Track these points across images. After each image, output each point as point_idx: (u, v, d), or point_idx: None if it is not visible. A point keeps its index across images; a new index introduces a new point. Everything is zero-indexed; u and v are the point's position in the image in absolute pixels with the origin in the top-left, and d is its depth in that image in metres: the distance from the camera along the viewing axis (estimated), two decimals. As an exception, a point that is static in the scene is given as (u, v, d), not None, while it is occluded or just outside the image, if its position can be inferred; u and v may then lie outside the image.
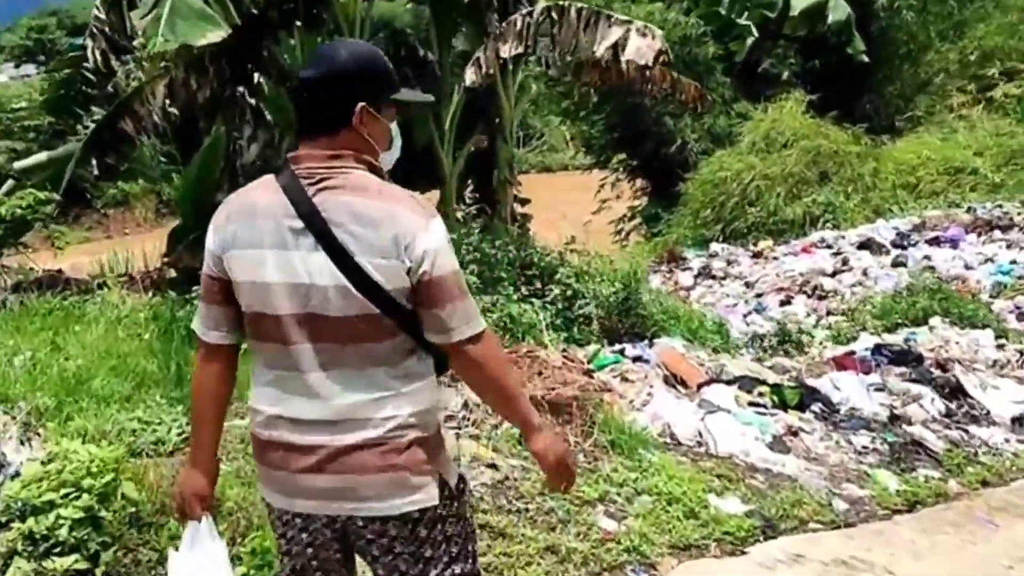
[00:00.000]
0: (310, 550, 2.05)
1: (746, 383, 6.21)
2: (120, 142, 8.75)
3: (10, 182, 10.51)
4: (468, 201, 7.96)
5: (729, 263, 14.58)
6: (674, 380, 6.23)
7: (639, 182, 22.26)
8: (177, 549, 2.13)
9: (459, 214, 8.09)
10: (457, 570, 2.04)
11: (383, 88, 2.02)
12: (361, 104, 1.94)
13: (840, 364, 6.93)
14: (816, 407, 6.08)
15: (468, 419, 5.11)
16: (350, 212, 1.87)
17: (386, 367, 1.94)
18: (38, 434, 4.07)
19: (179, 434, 4.04)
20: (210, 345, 2.05)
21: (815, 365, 7.11)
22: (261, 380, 2.02)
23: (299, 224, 1.88)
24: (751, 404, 5.93)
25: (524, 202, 10.77)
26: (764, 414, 5.81)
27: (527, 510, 4.11)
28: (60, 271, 9.22)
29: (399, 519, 1.96)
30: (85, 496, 2.94)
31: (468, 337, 1.96)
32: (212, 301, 2.02)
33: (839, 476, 5.18)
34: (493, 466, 4.46)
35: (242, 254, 1.93)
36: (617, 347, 6.69)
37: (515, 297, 6.82)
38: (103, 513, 2.94)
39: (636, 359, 6.46)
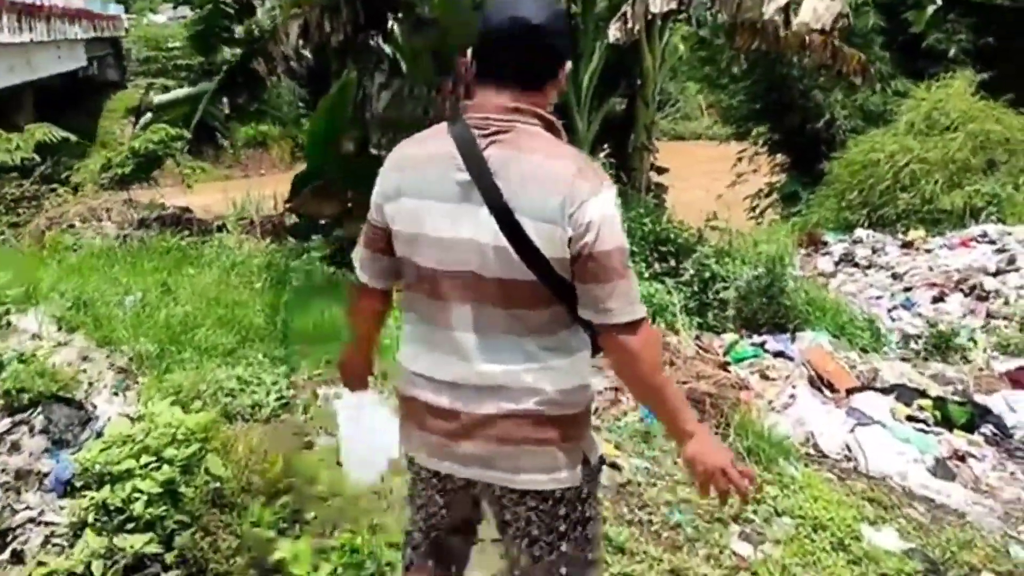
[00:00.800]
0: (445, 510, 2.06)
1: (904, 394, 5.47)
2: (252, 82, 8.60)
3: (147, 116, 10.61)
4: (602, 167, 7.39)
5: (875, 251, 13.49)
6: (820, 382, 5.56)
7: (779, 157, 21.02)
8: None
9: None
10: (589, 555, 2.01)
11: (573, 48, 1.81)
12: (567, 62, 1.88)
13: (1015, 381, 6.06)
14: (987, 429, 5.28)
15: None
16: (519, 169, 1.77)
17: (537, 337, 1.85)
18: (137, 382, 3.84)
19: (278, 399, 3.73)
20: (365, 287, 2.02)
21: (984, 379, 6.26)
22: (409, 335, 1.97)
23: (466, 177, 1.79)
24: (909, 419, 5.20)
25: (661, 171, 10.06)
26: (925, 431, 5.08)
27: (651, 522, 3.61)
28: (187, 209, 9.25)
29: (539, 494, 1.91)
30: (166, 468, 2.63)
31: (625, 323, 1.79)
32: (375, 249, 1.96)
33: (1015, 515, 4.44)
34: (615, 466, 3.97)
35: (405, 204, 1.86)
36: (756, 339, 6.04)
37: (647, 275, 6.26)
38: (183, 489, 2.62)
39: (778, 355, 5.81)
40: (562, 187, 1.73)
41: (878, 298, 11.21)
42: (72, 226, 6.98)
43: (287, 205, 8.33)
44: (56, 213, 7.21)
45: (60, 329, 4.27)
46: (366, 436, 2.55)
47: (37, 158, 8.25)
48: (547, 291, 1.79)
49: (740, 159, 20.80)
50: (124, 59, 44.99)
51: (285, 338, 4.43)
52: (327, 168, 8.02)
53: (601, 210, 1.75)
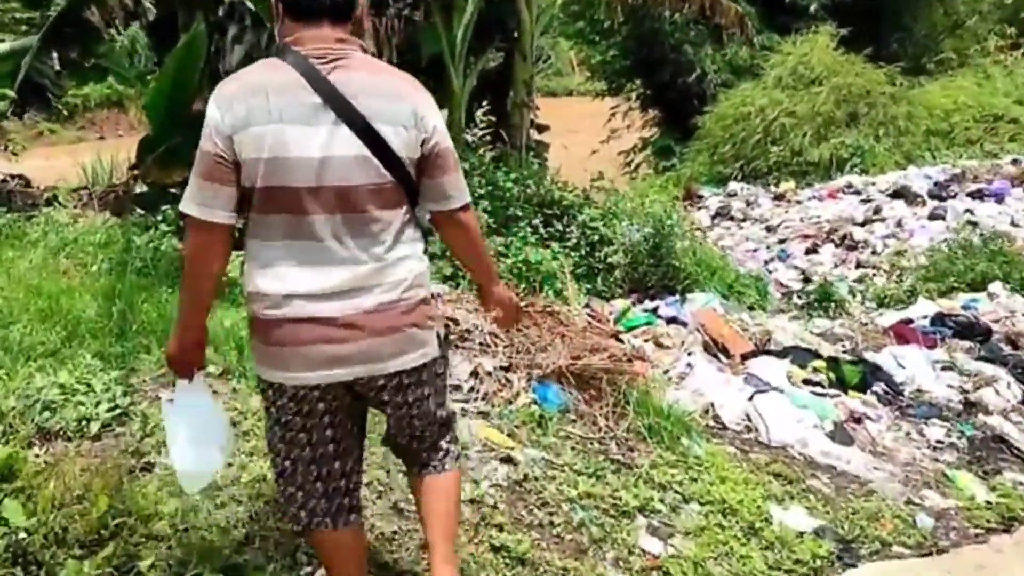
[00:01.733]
0: (327, 418, 2.16)
1: (799, 356, 5.33)
2: (85, 34, 7.62)
3: (-33, 75, 9.35)
4: (479, 124, 6.92)
5: (748, 204, 13.69)
6: (715, 347, 5.35)
7: (652, 112, 21.09)
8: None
9: (469, 138, 7.04)
10: (445, 410, 2.41)
11: None
12: None
13: (900, 335, 6.04)
14: (878, 388, 5.21)
15: (477, 391, 4.22)
16: (366, 88, 2.01)
17: (395, 233, 2.07)
18: (-69, 398, 3.15)
19: (110, 409, 3.12)
20: (215, 225, 1.98)
21: (869, 335, 6.22)
22: (268, 260, 2.02)
23: (318, 99, 1.96)
24: (805, 382, 5.06)
25: (542, 129, 9.64)
26: (822, 395, 4.94)
27: (552, 524, 3.24)
28: (21, 177, 8.21)
29: (411, 371, 2.16)
30: (-55, 523, 2.03)
31: (462, 205, 2.17)
32: (222, 182, 1.97)
33: (915, 479, 4.34)
34: (509, 460, 3.58)
35: (260, 131, 1.94)
36: (648, 305, 5.78)
37: (532, 239, 5.86)
38: (-34, 550, 2.04)
39: (670, 320, 5.57)
40: (409, 98, 2.06)
41: (754, 251, 11.33)
42: None
43: (132, 173, 7.47)
44: None
45: None
46: (202, 431, 2.20)
47: None
48: (402, 191, 2.06)
49: (613, 115, 20.77)
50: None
51: (123, 332, 3.79)
52: (176, 130, 7.20)
53: (438, 115, 2.12)
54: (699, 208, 14.32)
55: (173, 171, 6.70)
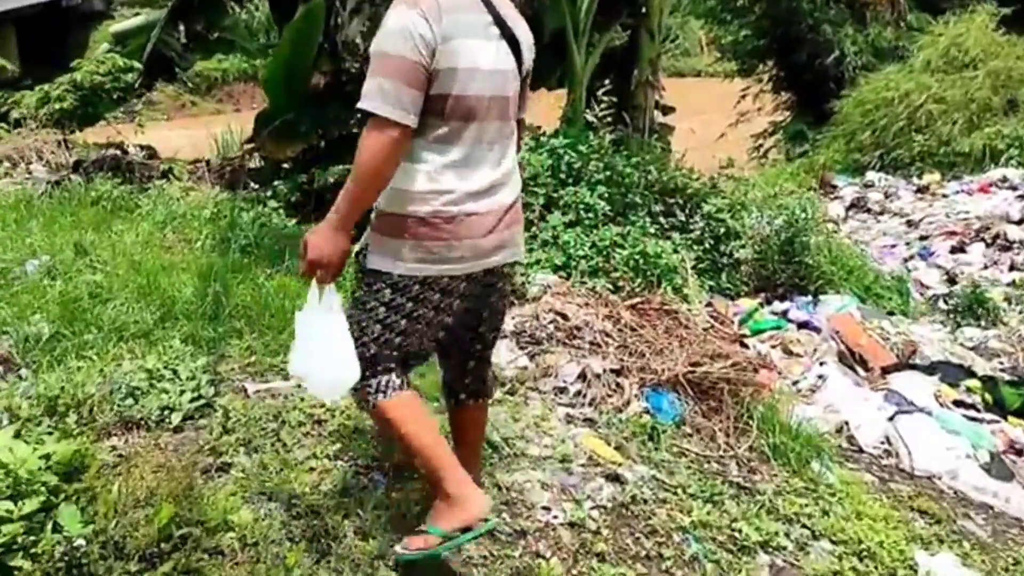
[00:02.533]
0: (457, 302, 2.37)
1: (949, 373, 4.74)
2: (210, 7, 7.64)
3: (103, 47, 9.63)
4: (601, 104, 6.52)
5: (887, 196, 12.73)
6: (852, 358, 4.82)
7: (784, 95, 20.05)
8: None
9: (589, 118, 6.65)
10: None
11: None
12: None
13: (1069, 354, 5.32)
14: (1043, 415, 4.57)
15: (584, 395, 3.88)
16: (511, 15, 2.33)
17: (515, 140, 2.43)
18: (20, 375, 3.06)
19: (193, 399, 2.94)
20: (407, 129, 2.10)
21: (1034, 350, 5.52)
22: (447, 162, 2.22)
23: (489, 18, 2.25)
24: (956, 404, 4.48)
25: (667, 110, 9.11)
26: (976, 420, 4.36)
27: (661, 556, 2.87)
28: (149, 148, 8.34)
29: (515, 264, 2.55)
30: (-4, 528, 1.86)
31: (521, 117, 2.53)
32: (420, 88, 2.11)
33: (1088, 526, 3.74)
34: (616, 478, 3.23)
35: (463, 43, 2.16)
36: (777, 307, 5.28)
37: (651, 230, 5.44)
38: (18, 561, 1.85)
39: (802, 325, 5.06)
40: (528, 31, 2.38)
41: (892, 247, 10.50)
42: (-2, 170, 6.13)
43: (247, 146, 7.44)
44: (-18, 155, 6.35)
45: (-64, 304, 3.48)
46: (337, 343, 2.17)
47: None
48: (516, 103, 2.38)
49: (743, 97, 19.87)
50: (109, -12, 43.48)
51: (216, 315, 3.63)
52: (292, 105, 7.12)
53: None
54: (833, 198, 13.44)
55: (287, 146, 6.63)
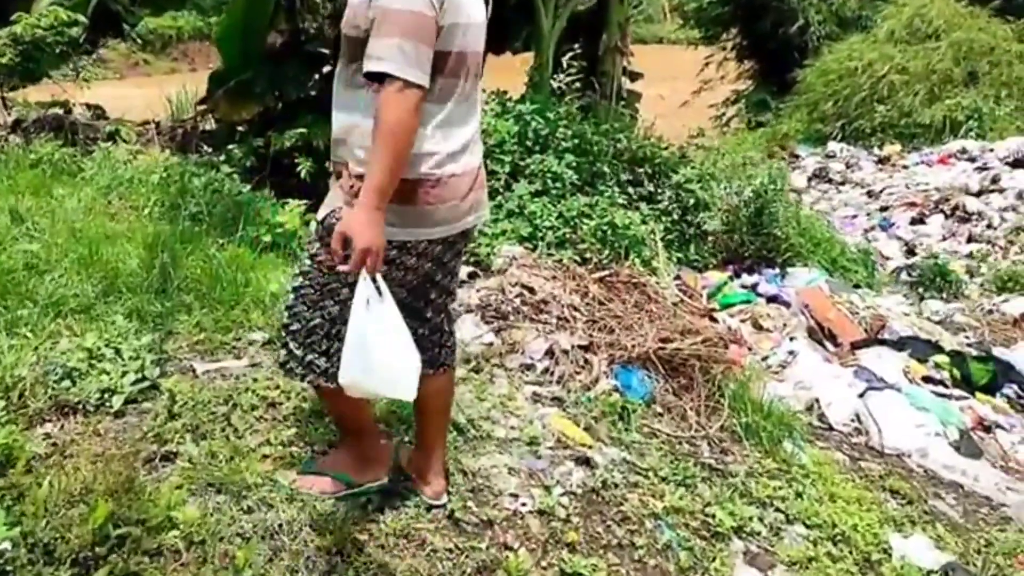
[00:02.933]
0: (429, 265, 2.32)
1: (918, 348, 4.70)
2: (158, -41, 7.26)
3: (45, 0, 9.15)
4: (569, 70, 6.32)
5: (848, 166, 12.79)
6: (821, 333, 4.75)
7: (748, 64, 20.00)
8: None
9: (556, 84, 6.45)
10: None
11: None
12: None
13: (1034, 329, 5.32)
14: (1010, 390, 4.57)
15: (552, 372, 3.75)
16: None
17: (480, 94, 2.36)
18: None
19: (136, 381, 2.74)
20: (424, 89, 2.00)
21: (997, 326, 5.51)
22: (432, 123, 2.13)
23: None
24: (926, 380, 4.44)
25: (635, 76, 8.90)
26: (945, 396, 4.32)
27: (633, 544, 2.76)
28: (96, 107, 7.95)
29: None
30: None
31: None
32: (431, 45, 2.01)
33: (1057, 505, 3.72)
34: (586, 461, 3.10)
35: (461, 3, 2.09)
36: (747, 280, 5.18)
37: (620, 200, 5.30)
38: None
39: (771, 299, 4.97)
40: None
41: (853, 217, 10.54)
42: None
43: (200, 108, 7.12)
44: (-87, 113, 5.97)
45: None
46: (398, 333, 2.06)
47: None
48: None
49: (707, 65, 19.77)
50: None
51: (163, 288, 3.41)
52: (248, 64, 6.81)
53: None
54: (795, 168, 13.43)
55: (242, 108, 6.34)
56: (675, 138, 7.45)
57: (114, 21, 7.97)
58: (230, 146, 6.02)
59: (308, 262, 2.28)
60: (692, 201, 5.45)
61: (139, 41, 11.62)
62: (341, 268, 2.04)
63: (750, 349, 4.43)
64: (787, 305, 4.93)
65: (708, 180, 5.69)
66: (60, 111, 6.18)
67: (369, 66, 1.96)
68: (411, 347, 2.09)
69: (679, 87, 18.14)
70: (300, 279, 2.29)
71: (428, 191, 2.14)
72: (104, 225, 4.00)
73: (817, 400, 4.09)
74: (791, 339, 4.56)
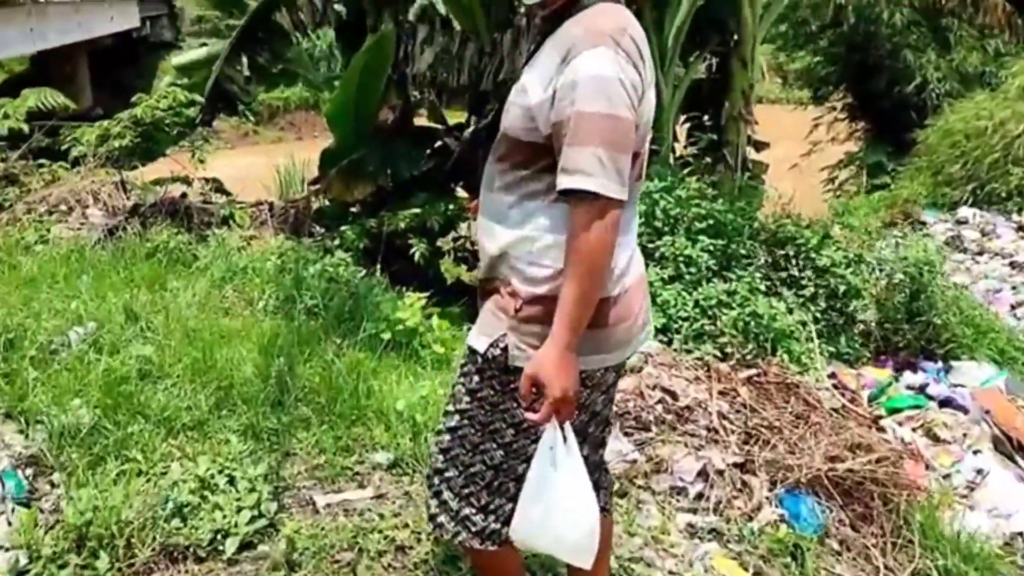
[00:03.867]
0: (602, 394, 2.03)
1: None
2: (275, 38, 7.28)
3: (166, 80, 9.40)
4: (690, 139, 5.94)
5: (984, 234, 11.89)
6: (1008, 444, 4.12)
7: (859, 124, 19.28)
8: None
9: (678, 155, 6.08)
10: None
11: None
12: None
13: None
14: None
15: (707, 498, 3.27)
16: None
17: None
18: (51, 482, 2.59)
19: (251, 519, 2.42)
20: (623, 203, 1.73)
21: None
22: (623, 232, 1.84)
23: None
24: None
25: (760, 146, 8.45)
26: None
27: None
28: (213, 180, 7.98)
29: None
30: None
31: None
32: (631, 151, 1.76)
33: None
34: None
35: (650, 92, 1.85)
36: (911, 378, 4.61)
37: (761, 287, 4.83)
38: None
39: (944, 403, 4.37)
40: None
41: (997, 291, 9.67)
42: (54, 212, 5.79)
43: (312, 187, 7.02)
44: (38, 197, 6.02)
45: (-35, 385, 3.04)
46: (579, 500, 1.82)
47: (25, 129, 7.03)
48: None
49: (816, 126, 19.10)
50: (177, 19, 44.43)
51: (279, 401, 3.13)
52: (359, 142, 6.68)
53: None
54: (923, 236, 12.61)
55: (355, 187, 6.18)
56: (792, 204, 6.92)
57: (228, 99, 8.04)
58: (343, 227, 5.85)
59: (467, 399, 1.95)
60: (843, 288, 4.92)
61: (251, 116, 11.78)
62: (530, 417, 1.78)
63: (928, 466, 3.85)
64: (964, 410, 4.32)
65: (857, 263, 5.15)
66: (177, 195, 6.14)
67: (566, 182, 1.69)
68: (594, 507, 1.84)
69: (785, 149, 17.55)
70: (457, 418, 1.96)
71: (607, 311, 1.86)
72: (218, 323, 3.77)
73: (1021, 534, 3.47)
74: (975, 453, 3.95)
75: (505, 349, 1.85)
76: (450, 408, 2.00)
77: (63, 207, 5.93)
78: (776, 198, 6.41)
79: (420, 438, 2.96)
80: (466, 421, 1.95)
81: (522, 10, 5.56)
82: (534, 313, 1.82)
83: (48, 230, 5.18)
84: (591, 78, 1.69)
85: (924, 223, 13.05)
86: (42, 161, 6.86)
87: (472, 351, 1.93)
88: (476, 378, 1.92)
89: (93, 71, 32.82)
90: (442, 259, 6.59)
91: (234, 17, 9.53)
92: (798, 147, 18.59)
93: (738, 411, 3.88)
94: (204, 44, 13.81)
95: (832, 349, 4.81)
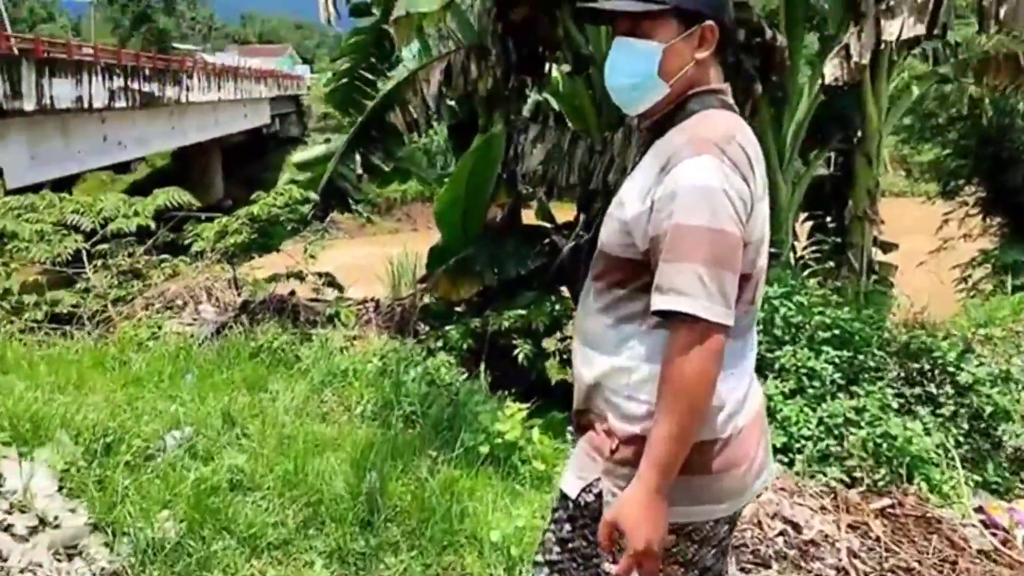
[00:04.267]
0: (715, 550, 1.76)
1: None
2: (388, 137, 7.44)
3: (285, 177, 9.78)
4: (811, 240, 5.62)
5: None
6: None
7: (993, 220, 18.30)
8: None
9: (799, 255, 5.75)
10: None
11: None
12: None
13: None
14: None
15: None
16: None
17: None
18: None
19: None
20: (728, 329, 1.53)
21: None
22: (734, 364, 1.66)
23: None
24: None
25: (888, 247, 7.99)
26: None
27: None
28: (326, 275, 8.14)
29: None
30: None
31: None
32: (738, 271, 1.56)
33: None
34: None
35: (763, 206, 1.65)
36: (1074, 516, 4.05)
37: (893, 404, 4.41)
38: None
39: (1117, 548, 3.80)
40: None
41: None
42: (170, 307, 5.95)
43: (420, 285, 7.02)
44: (156, 292, 6.21)
45: (60, 490, 3.01)
46: None
47: (152, 226, 7.35)
48: None
49: (947, 221, 18.21)
50: (305, 115, 47.24)
51: (369, 521, 2.96)
52: (467, 240, 6.66)
53: None
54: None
55: (462, 286, 6.12)
56: (925, 311, 6.42)
57: (341, 196, 8.23)
58: (447, 327, 5.76)
59: (557, 549, 1.76)
60: (989, 409, 4.44)
61: (362, 212, 12.09)
62: (608, 569, 1.61)
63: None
64: None
65: (1005, 380, 4.66)
66: (286, 292, 6.22)
67: (661, 303, 1.52)
68: None
69: (911, 244, 16.78)
70: (547, 571, 1.78)
71: (715, 455, 1.64)
72: (314, 430, 3.67)
73: None
74: None
75: (599, 495, 1.66)
76: (539, 559, 1.80)
77: (179, 302, 6.09)
78: (908, 305, 5.96)
79: (515, 571, 2.73)
80: (556, 575, 1.73)
81: (634, 122, 5.46)
82: (631, 455, 1.62)
83: (159, 327, 5.28)
84: (692, 188, 1.53)
85: (1073, 328, 12.05)
86: (164, 256, 7.12)
87: (564, 496, 1.73)
88: (568, 526, 1.73)
89: (225, 165, 35.14)
90: (547, 360, 6.41)
91: (353, 116, 9.90)
92: (926, 242, 17.76)
93: (871, 549, 3.48)
94: (327, 140, 14.42)
95: (978, 478, 4.32)
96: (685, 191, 1.53)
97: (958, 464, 3.96)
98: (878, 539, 3.51)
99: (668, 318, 1.53)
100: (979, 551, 3.57)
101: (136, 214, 7.51)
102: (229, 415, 3.66)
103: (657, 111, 1.72)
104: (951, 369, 4.76)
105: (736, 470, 1.66)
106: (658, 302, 1.52)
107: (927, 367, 4.74)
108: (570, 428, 2.02)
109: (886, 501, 3.82)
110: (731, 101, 1.75)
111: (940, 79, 7.09)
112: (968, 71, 6.68)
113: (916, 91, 7.17)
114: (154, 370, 4.38)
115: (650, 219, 1.58)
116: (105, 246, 6.87)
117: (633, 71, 1.72)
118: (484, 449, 3.66)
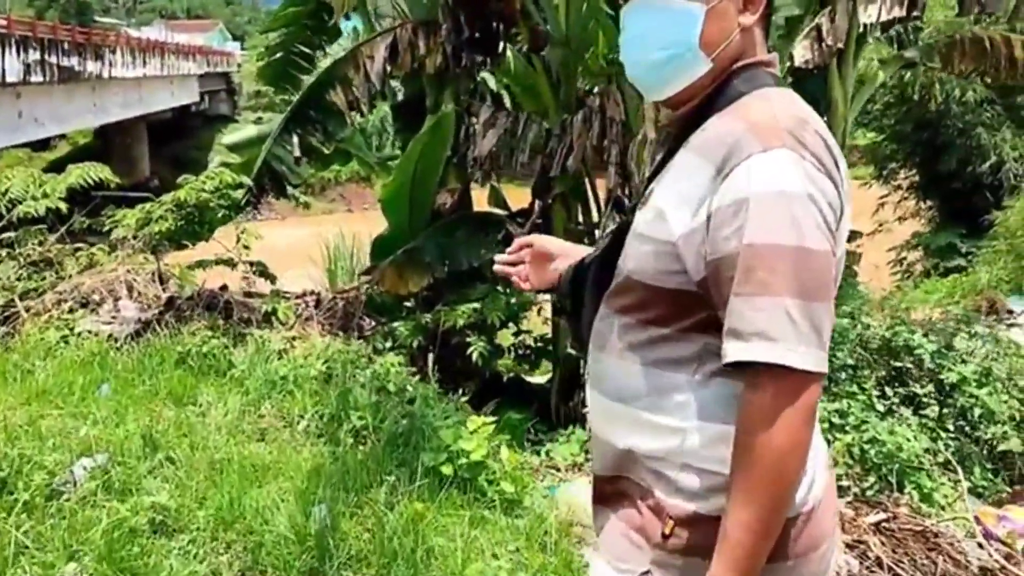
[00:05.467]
0: None
1: None
2: (327, 117, 6.91)
3: (216, 160, 9.12)
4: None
5: (1079, 325, 10.97)
6: None
7: (926, 204, 18.64)
8: None
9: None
10: None
11: None
12: None
13: None
14: None
15: None
16: None
17: None
18: None
19: None
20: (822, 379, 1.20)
21: None
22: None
23: None
24: None
25: (852, 235, 7.82)
26: None
27: None
28: (257, 264, 7.58)
29: None
30: None
31: None
32: (832, 299, 1.22)
33: None
34: None
35: (849, 210, 1.31)
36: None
37: (879, 407, 4.15)
38: None
39: (1118, 561, 3.59)
40: None
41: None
42: (86, 303, 5.36)
43: (363, 278, 6.55)
44: (70, 286, 5.60)
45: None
46: None
47: (63, 208, 6.67)
48: None
49: (882, 205, 18.43)
50: (236, 93, 45.74)
51: (318, 569, 2.52)
52: (415, 230, 6.20)
53: None
54: (1009, 324, 11.74)
55: (410, 279, 5.67)
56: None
57: (277, 179, 7.66)
58: (395, 323, 5.31)
59: None
60: (980, 410, 4.21)
61: (299, 196, 11.48)
62: None
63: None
64: None
65: (988, 378, 4.44)
66: (216, 287, 5.67)
67: (742, 352, 1.15)
68: None
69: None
70: None
71: (795, 536, 1.27)
72: (250, 454, 3.20)
73: None
74: None
75: None
76: None
77: (96, 296, 5.49)
78: (877, 296, 5.74)
79: None
80: None
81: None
82: (690, 541, 1.25)
83: (71, 328, 4.71)
84: (768, 195, 1.17)
85: (1011, 312, 12.20)
86: (79, 245, 6.47)
87: None
88: None
89: (152, 144, 33.76)
90: (500, 357, 6.02)
91: (288, 94, 9.29)
92: (863, 225, 17.92)
93: (872, 571, 3.18)
94: (259, 119, 13.65)
95: (967, 484, 4.08)
96: (759, 199, 1.17)
97: (960, 474, 3.70)
98: (879, 560, 3.22)
99: (747, 369, 1.14)
100: (981, 568, 3.32)
101: (45, 196, 6.81)
102: (151, 437, 3.16)
103: (694, 94, 1.33)
104: (931, 366, 4.53)
105: (817, 551, 1.30)
106: (737, 351, 1.15)
107: (910, 365, 4.49)
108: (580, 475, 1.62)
109: (881, 515, 3.55)
110: (775, 80, 1.37)
111: (906, 63, 6.88)
112: (935, 55, 6.48)
113: (882, 76, 6.94)
114: (63, 381, 3.84)
115: (708, 238, 1.20)
116: (12, 235, 6.19)
117: (665, 40, 1.32)
118: (447, 470, 3.24)
